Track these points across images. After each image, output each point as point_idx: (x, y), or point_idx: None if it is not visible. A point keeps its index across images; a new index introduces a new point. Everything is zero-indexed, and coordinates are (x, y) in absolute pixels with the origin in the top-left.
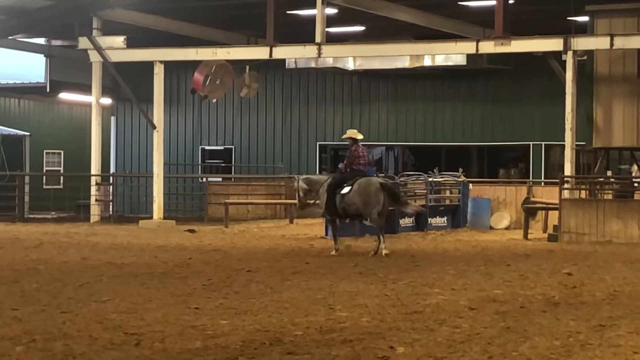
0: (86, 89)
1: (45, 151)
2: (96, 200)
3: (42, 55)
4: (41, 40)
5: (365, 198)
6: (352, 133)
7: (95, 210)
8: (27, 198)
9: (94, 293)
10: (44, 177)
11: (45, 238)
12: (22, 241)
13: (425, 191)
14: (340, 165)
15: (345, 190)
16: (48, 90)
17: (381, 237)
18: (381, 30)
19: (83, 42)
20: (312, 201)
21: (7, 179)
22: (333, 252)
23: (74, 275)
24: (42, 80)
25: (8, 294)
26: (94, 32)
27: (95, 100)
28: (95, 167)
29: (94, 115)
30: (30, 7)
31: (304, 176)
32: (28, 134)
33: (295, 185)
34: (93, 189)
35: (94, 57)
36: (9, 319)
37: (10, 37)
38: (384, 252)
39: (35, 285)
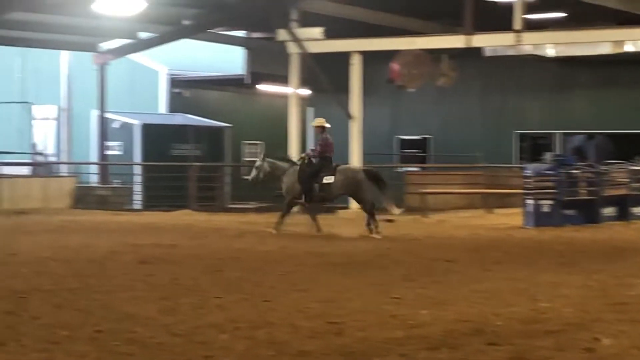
0: (284, 80)
1: (244, 142)
2: None
3: (242, 48)
4: (241, 33)
5: (356, 187)
6: (322, 121)
7: None
8: (227, 188)
9: (294, 282)
10: (244, 167)
11: (246, 228)
12: (224, 231)
13: (627, 180)
14: (310, 153)
15: (329, 179)
16: (247, 82)
17: (372, 222)
18: (583, 16)
19: (282, 34)
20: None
21: (209, 171)
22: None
23: (274, 264)
24: (242, 72)
25: (212, 283)
26: (292, 24)
27: (293, 91)
28: (293, 157)
29: (292, 106)
30: (230, 1)
31: (270, 159)
32: (228, 125)
33: (258, 163)
34: None
35: (293, 48)
36: (213, 307)
37: (210, 30)
38: (377, 236)
39: (237, 274)
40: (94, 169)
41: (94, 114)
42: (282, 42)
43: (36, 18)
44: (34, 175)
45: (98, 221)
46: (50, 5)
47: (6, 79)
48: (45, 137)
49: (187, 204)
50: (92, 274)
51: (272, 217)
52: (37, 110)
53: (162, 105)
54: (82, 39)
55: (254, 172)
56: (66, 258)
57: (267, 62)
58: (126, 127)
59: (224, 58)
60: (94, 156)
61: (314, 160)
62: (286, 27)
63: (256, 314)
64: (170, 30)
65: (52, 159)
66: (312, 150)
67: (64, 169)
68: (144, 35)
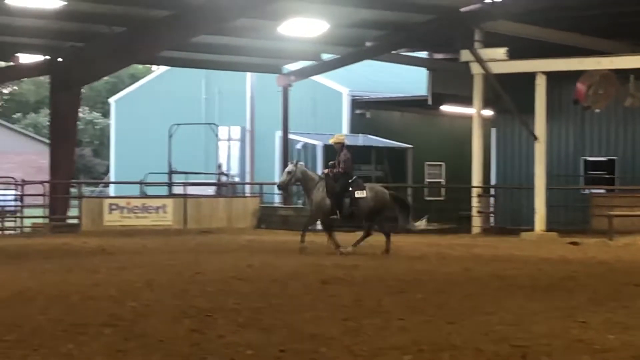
0: (467, 101)
1: (426, 163)
2: (477, 212)
3: (424, 69)
4: (423, 54)
5: (384, 203)
6: (342, 138)
7: (476, 222)
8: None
9: (478, 304)
10: (426, 188)
11: (428, 249)
12: (406, 252)
13: None
14: (334, 170)
15: (361, 194)
16: (430, 102)
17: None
18: None
19: (465, 55)
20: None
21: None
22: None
23: (457, 286)
24: (424, 93)
25: (395, 304)
26: (476, 45)
27: (476, 112)
28: (476, 178)
29: (475, 127)
30: (413, 22)
31: (303, 168)
32: (410, 146)
33: (291, 168)
34: (474, 201)
35: (476, 69)
36: (396, 328)
37: (393, 52)
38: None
39: (420, 295)
40: (277, 189)
41: (277, 134)
42: (466, 63)
43: (222, 41)
44: (219, 195)
45: (280, 241)
46: (237, 29)
47: (192, 100)
48: (229, 158)
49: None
50: (276, 294)
51: (454, 239)
52: (222, 131)
53: (345, 126)
54: (267, 61)
55: (285, 176)
56: (250, 277)
57: (449, 83)
58: (308, 148)
59: (406, 79)
60: (277, 176)
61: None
62: (469, 48)
63: (440, 336)
64: (353, 51)
65: (236, 179)
66: (332, 165)
67: (247, 189)
68: (326, 56)
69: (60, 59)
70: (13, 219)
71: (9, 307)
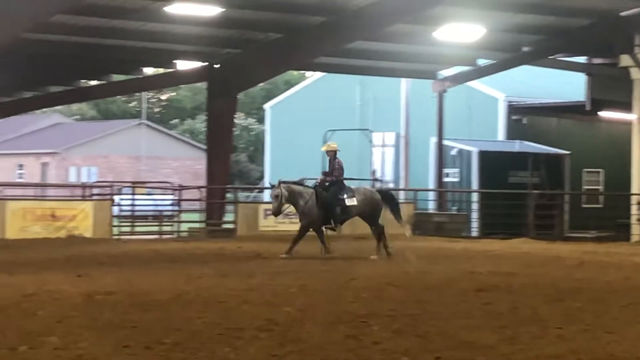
0: (626, 106)
1: (584, 170)
2: (637, 219)
3: (583, 74)
4: (581, 59)
5: (373, 207)
6: (334, 146)
7: (635, 230)
8: (566, 217)
9: (638, 314)
10: (584, 195)
11: (586, 257)
12: (564, 260)
13: None
14: (327, 177)
15: (352, 201)
16: (588, 108)
17: (383, 241)
18: None
19: (624, 60)
20: (284, 209)
21: (547, 198)
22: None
23: (617, 295)
24: (582, 99)
25: (552, 313)
26: (636, 49)
27: (636, 118)
28: (636, 185)
29: (635, 134)
30: (571, 26)
31: (286, 185)
32: (568, 152)
33: (277, 192)
34: (634, 208)
35: (636, 74)
36: (553, 337)
37: (550, 57)
38: (382, 252)
39: (578, 304)
40: (432, 195)
41: (432, 141)
42: (625, 68)
43: (377, 47)
44: None
45: (435, 248)
46: (393, 34)
47: (347, 106)
48: (383, 164)
49: (525, 232)
50: (430, 300)
51: (613, 247)
52: (376, 137)
53: (500, 132)
54: (421, 67)
55: (275, 202)
56: (404, 284)
57: (608, 88)
58: (463, 154)
59: (563, 84)
60: (431, 183)
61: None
62: (629, 53)
63: (598, 345)
64: (510, 56)
65: (391, 185)
66: (323, 174)
67: (402, 196)
68: (482, 62)
69: (217, 66)
70: (170, 223)
71: (167, 311)
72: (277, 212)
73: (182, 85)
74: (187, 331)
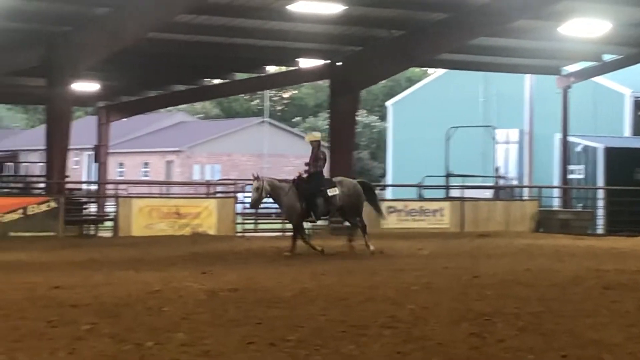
0: None
1: None
2: None
3: None
4: None
5: (357, 199)
6: (318, 136)
7: None
8: None
9: None
10: None
11: None
12: None
13: None
14: (305, 171)
15: (333, 192)
16: None
17: (366, 234)
18: None
19: None
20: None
21: None
22: (287, 253)
23: None
24: None
25: None
26: None
27: None
28: None
29: None
30: None
31: (269, 179)
32: None
33: (258, 184)
34: None
35: None
36: None
37: None
38: (372, 247)
39: None
40: (556, 192)
41: (556, 137)
42: None
43: (501, 42)
44: (496, 198)
45: (560, 245)
46: (517, 30)
47: (469, 103)
48: (507, 161)
49: None
50: (555, 298)
51: None
52: (499, 133)
53: (627, 128)
54: (545, 62)
55: (254, 194)
56: (529, 281)
57: None
58: (589, 151)
59: None
60: (555, 180)
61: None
62: None
63: None
64: (636, 51)
65: (514, 182)
66: (307, 165)
67: (525, 193)
68: (608, 57)
69: (339, 63)
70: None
71: (290, 308)
72: (255, 204)
73: (304, 83)
74: (310, 328)
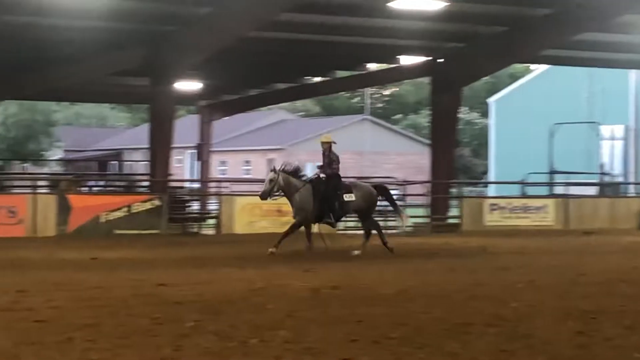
0: None
1: None
2: None
3: None
4: None
5: (371, 204)
6: (329, 138)
7: None
8: None
9: None
10: None
11: None
12: None
13: None
14: (321, 172)
15: (350, 197)
16: None
17: (382, 233)
18: None
19: None
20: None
21: None
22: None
23: None
24: None
25: None
26: None
27: None
28: None
29: None
30: None
31: (285, 174)
32: None
33: (273, 176)
34: None
35: None
36: None
37: None
38: (356, 252)
39: None
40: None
41: None
42: None
43: (606, 38)
44: (601, 195)
45: None
46: (622, 25)
47: (574, 99)
48: (612, 157)
49: None
50: None
51: None
52: (604, 129)
53: None
54: None
55: (267, 185)
56: (635, 279)
57: None
58: None
59: None
60: None
61: (323, 177)
62: None
63: None
64: None
65: (619, 179)
66: (320, 167)
67: (631, 189)
68: None
69: (441, 60)
70: (394, 218)
71: (393, 305)
72: (266, 196)
73: (404, 80)
74: (413, 326)
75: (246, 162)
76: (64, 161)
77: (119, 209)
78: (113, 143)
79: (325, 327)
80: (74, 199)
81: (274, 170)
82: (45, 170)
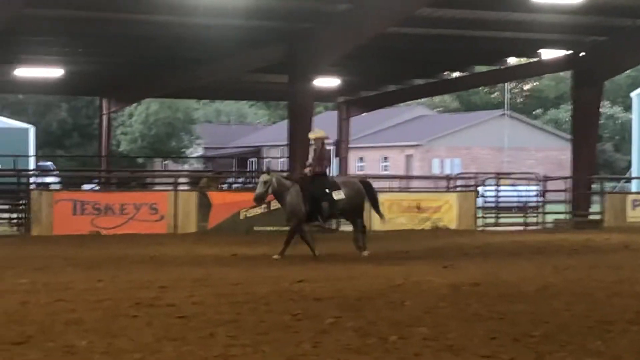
0: None
1: None
2: None
3: None
4: None
5: (361, 199)
6: (322, 133)
7: None
8: None
9: None
10: None
11: None
12: None
13: None
14: (314, 169)
15: (339, 195)
16: None
17: (364, 237)
18: None
19: None
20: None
21: None
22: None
23: None
24: None
25: None
26: None
27: None
28: None
29: None
30: None
31: (277, 176)
32: None
33: (267, 178)
34: None
35: None
36: None
37: None
38: (365, 253)
39: None
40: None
41: None
42: None
43: None
44: None
45: None
46: None
47: None
48: None
49: None
50: None
51: None
52: None
53: None
54: None
55: (261, 188)
56: None
57: None
58: None
59: None
60: None
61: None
62: None
63: None
64: None
65: None
66: (309, 165)
67: None
68: None
69: (582, 54)
70: (535, 214)
71: (533, 303)
72: (260, 199)
73: (545, 75)
74: (555, 324)
75: (384, 159)
76: (204, 158)
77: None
78: (252, 140)
79: (465, 324)
80: (214, 196)
81: (267, 172)
82: (186, 167)
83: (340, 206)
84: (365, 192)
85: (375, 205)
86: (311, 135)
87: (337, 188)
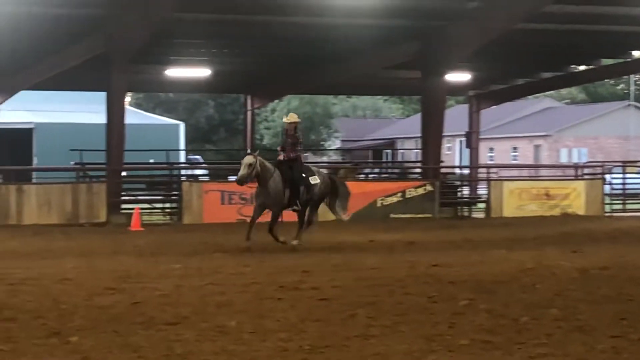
0: None
1: None
2: None
3: None
4: None
5: (327, 191)
6: (295, 117)
7: None
8: None
9: None
10: None
11: None
12: None
13: None
14: (291, 153)
15: (315, 180)
16: None
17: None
18: None
19: None
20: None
21: None
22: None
23: None
24: None
25: None
26: None
27: None
28: None
29: None
30: None
31: (261, 159)
32: None
33: (252, 160)
34: None
35: None
36: None
37: None
38: (295, 242)
39: None
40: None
41: None
42: None
43: None
44: None
45: None
46: None
47: None
48: None
49: None
50: None
51: None
52: None
53: None
54: None
55: (245, 170)
56: None
57: None
58: None
59: None
60: None
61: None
62: None
63: None
64: None
65: None
66: (282, 149)
67: None
68: None
69: None
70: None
71: None
72: (243, 181)
73: None
74: None
75: (514, 149)
76: (341, 150)
77: (394, 194)
78: (387, 133)
79: (595, 305)
80: (352, 186)
81: (251, 153)
82: (325, 159)
83: (315, 191)
84: (331, 186)
85: (332, 201)
86: (285, 120)
87: (312, 174)
